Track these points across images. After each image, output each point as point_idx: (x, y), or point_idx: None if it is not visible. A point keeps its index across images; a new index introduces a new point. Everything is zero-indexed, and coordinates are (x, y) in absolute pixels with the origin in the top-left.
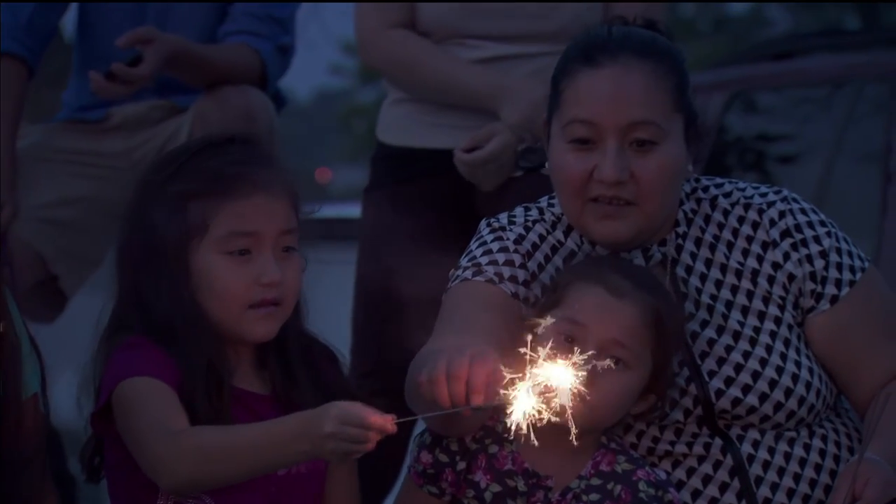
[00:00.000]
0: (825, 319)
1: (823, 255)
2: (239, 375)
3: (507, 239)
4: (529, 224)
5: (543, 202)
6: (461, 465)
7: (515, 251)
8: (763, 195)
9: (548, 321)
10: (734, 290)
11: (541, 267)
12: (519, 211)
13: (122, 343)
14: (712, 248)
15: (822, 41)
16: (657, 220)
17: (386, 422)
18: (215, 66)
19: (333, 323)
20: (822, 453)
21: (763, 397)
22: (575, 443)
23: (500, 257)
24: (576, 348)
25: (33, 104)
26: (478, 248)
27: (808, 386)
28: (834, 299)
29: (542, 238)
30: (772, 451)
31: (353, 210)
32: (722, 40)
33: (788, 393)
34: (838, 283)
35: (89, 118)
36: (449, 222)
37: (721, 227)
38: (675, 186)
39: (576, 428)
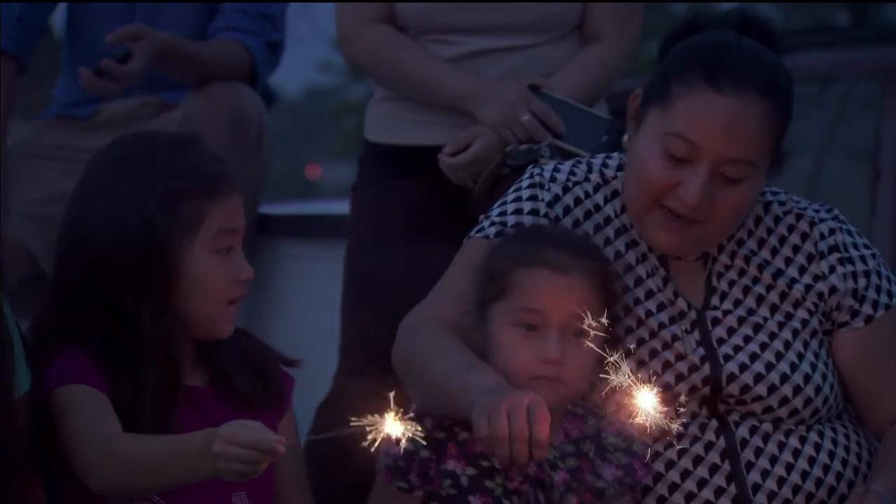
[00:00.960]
0: (856, 337)
1: (867, 274)
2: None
3: (542, 199)
4: (570, 184)
5: (598, 159)
6: (425, 454)
7: (545, 215)
8: (816, 210)
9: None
10: (769, 288)
11: None
12: (566, 166)
13: (58, 353)
14: (755, 251)
15: (812, 38)
16: (718, 239)
17: (273, 443)
18: (205, 63)
19: (323, 318)
20: (818, 447)
21: (772, 389)
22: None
23: (528, 220)
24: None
25: (23, 101)
26: (512, 201)
27: (818, 390)
28: (869, 319)
29: (577, 202)
30: (766, 438)
31: (343, 207)
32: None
33: (797, 391)
34: (875, 305)
35: (79, 114)
36: (437, 219)
37: (770, 231)
38: (746, 215)
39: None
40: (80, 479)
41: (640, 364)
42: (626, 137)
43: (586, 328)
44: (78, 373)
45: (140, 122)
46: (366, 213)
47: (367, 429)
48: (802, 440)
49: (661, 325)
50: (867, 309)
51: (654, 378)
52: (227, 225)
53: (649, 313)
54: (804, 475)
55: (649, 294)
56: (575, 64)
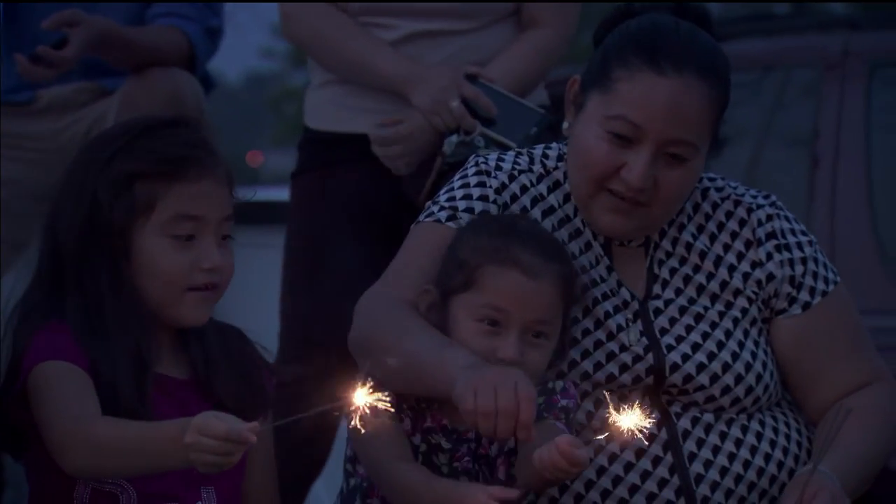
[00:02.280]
0: (794, 324)
1: (804, 261)
2: (160, 361)
3: (489, 186)
4: (515, 173)
5: (538, 150)
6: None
7: (493, 201)
8: (753, 197)
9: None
10: (709, 277)
11: None
12: (509, 156)
13: (42, 328)
14: (694, 235)
15: (752, 26)
16: (662, 221)
17: (245, 432)
18: (142, 49)
19: (265, 306)
20: (759, 436)
21: (714, 378)
22: None
23: (478, 205)
24: None
25: None
26: (460, 187)
27: (759, 378)
28: (806, 306)
29: (523, 189)
30: (708, 429)
31: (284, 194)
32: None
33: (739, 379)
34: (812, 291)
35: (17, 100)
36: (376, 207)
37: (707, 217)
38: (687, 196)
39: None
40: (53, 463)
41: (585, 354)
42: (565, 125)
43: (546, 331)
44: (60, 349)
45: (78, 107)
46: (306, 201)
47: (339, 406)
48: (744, 429)
49: (607, 315)
50: (804, 296)
51: (599, 369)
52: (187, 211)
53: (595, 301)
54: (746, 464)
55: (594, 283)
56: (511, 50)
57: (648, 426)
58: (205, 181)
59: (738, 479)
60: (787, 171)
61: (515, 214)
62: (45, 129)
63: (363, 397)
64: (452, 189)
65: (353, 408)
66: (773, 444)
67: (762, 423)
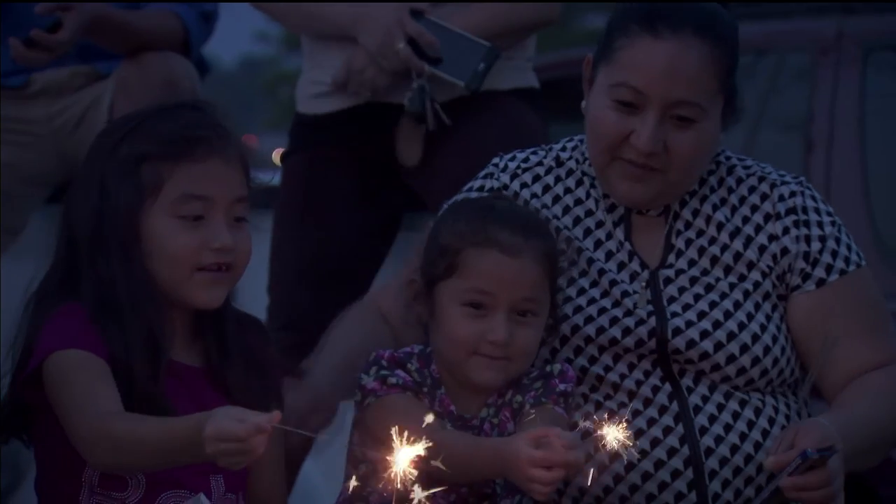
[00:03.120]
0: (807, 300)
1: (822, 239)
2: (174, 348)
3: (487, 189)
4: (518, 171)
5: (559, 144)
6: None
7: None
8: (781, 175)
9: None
10: (724, 248)
11: None
12: (521, 154)
13: (57, 310)
14: (715, 207)
15: (745, 10)
16: (679, 188)
17: (263, 423)
18: (137, 33)
19: (256, 287)
20: (772, 421)
21: (718, 346)
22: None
23: None
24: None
25: None
26: (466, 190)
27: (767, 350)
28: (821, 283)
29: (523, 186)
30: (721, 407)
31: (278, 177)
32: None
33: (744, 349)
34: (829, 269)
35: (11, 84)
36: (369, 183)
37: (730, 191)
38: (705, 159)
39: (498, 386)
40: (63, 445)
41: (588, 319)
42: (583, 104)
43: (533, 308)
44: (77, 335)
45: (72, 91)
46: (294, 180)
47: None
48: (757, 412)
49: (613, 283)
50: (819, 272)
51: (601, 333)
52: (193, 190)
53: (602, 272)
54: (757, 446)
55: (609, 255)
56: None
57: (630, 444)
58: (212, 161)
59: (749, 459)
60: (782, 156)
61: (493, 195)
62: (39, 113)
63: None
64: (462, 192)
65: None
66: (784, 429)
67: (776, 409)
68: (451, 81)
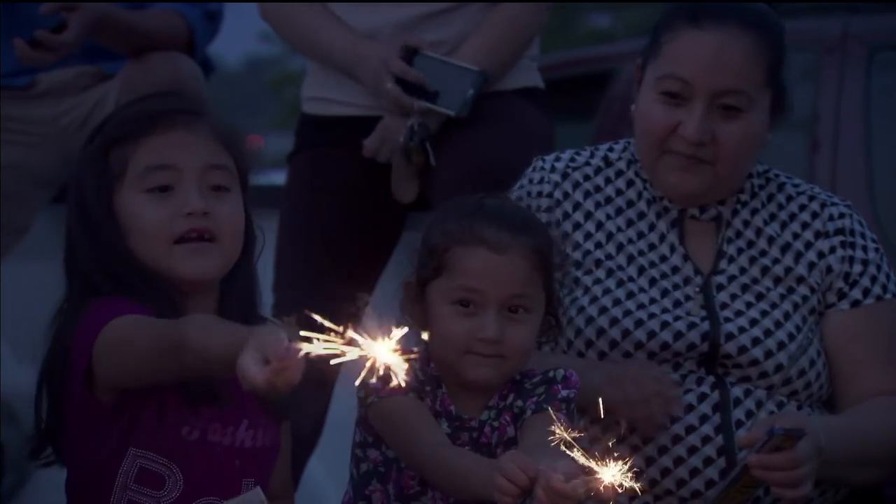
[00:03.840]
0: (840, 319)
1: (865, 263)
2: None
3: (543, 194)
4: (569, 171)
5: (605, 146)
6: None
7: (548, 208)
8: (829, 196)
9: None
10: (774, 261)
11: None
12: (566, 154)
13: (88, 307)
14: (766, 221)
15: None
16: (729, 182)
17: (281, 351)
18: (142, 33)
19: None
20: None
21: (768, 354)
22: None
23: (533, 203)
24: None
25: None
26: (518, 188)
27: (812, 364)
28: (855, 304)
29: (576, 186)
30: (760, 405)
31: (283, 177)
32: (651, 10)
33: (792, 360)
34: (866, 292)
35: (16, 84)
36: (373, 182)
37: (781, 207)
38: (752, 154)
39: (493, 384)
40: (96, 438)
41: (638, 324)
42: (633, 107)
43: (525, 304)
44: (123, 307)
45: (78, 91)
46: (300, 178)
47: (363, 351)
48: None
49: (665, 291)
50: (856, 293)
51: (652, 337)
52: (155, 161)
53: (653, 280)
54: None
55: (662, 259)
56: (484, 24)
57: (628, 484)
58: (175, 132)
59: None
60: (787, 155)
61: (484, 194)
62: (45, 113)
63: (387, 353)
64: (511, 192)
65: (375, 362)
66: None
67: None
68: (443, 112)
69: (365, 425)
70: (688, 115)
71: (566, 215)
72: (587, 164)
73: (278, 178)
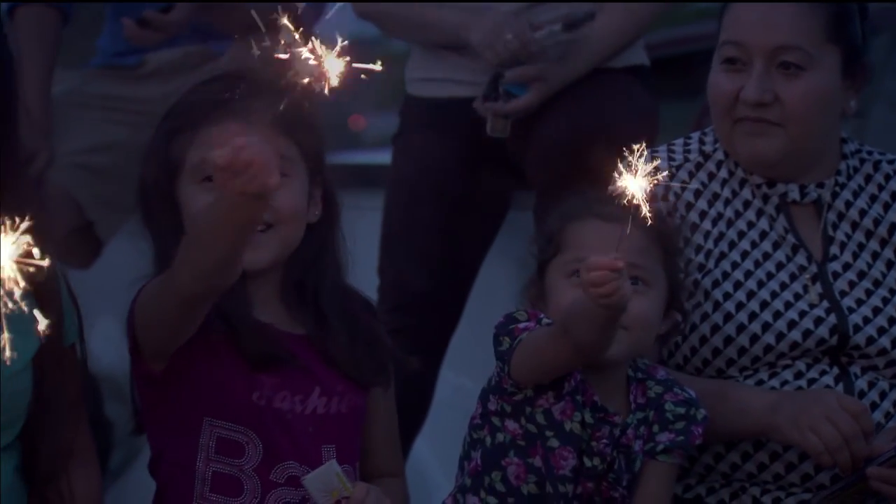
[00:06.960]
0: None
1: None
2: (266, 313)
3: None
4: (674, 170)
5: (695, 136)
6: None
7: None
8: None
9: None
10: (883, 243)
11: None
12: (662, 153)
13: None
14: (868, 203)
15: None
16: (806, 148)
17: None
18: (249, 11)
19: (367, 267)
20: None
21: (895, 342)
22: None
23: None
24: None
25: (68, 50)
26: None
27: None
28: None
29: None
30: (883, 395)
31: (387, 157)
32: None
33: None
34: None
35: (125, 64)
36: (479, 163)
37: (881, 187)
38: (825, 116)
39: (618, 358)
40: (177, 411)
41: (766, 327)
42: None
43: (643, 276)
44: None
45: (186, 71)
46: (406, 162)
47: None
48: None
49: (784, 285)
50: None
51: (781, 339)
52: (208, 153)
53: (770, 275)
54: None
55: (775, 246)
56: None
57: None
58: (229, 121)
59: None
60: (894, 135)
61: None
62: (152, 92)
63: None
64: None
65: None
66: None
67: None
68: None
69: (510, 379)
70: (748, 78)
71: (681, 219)
72: (686, 160)
73: (381, 157)
